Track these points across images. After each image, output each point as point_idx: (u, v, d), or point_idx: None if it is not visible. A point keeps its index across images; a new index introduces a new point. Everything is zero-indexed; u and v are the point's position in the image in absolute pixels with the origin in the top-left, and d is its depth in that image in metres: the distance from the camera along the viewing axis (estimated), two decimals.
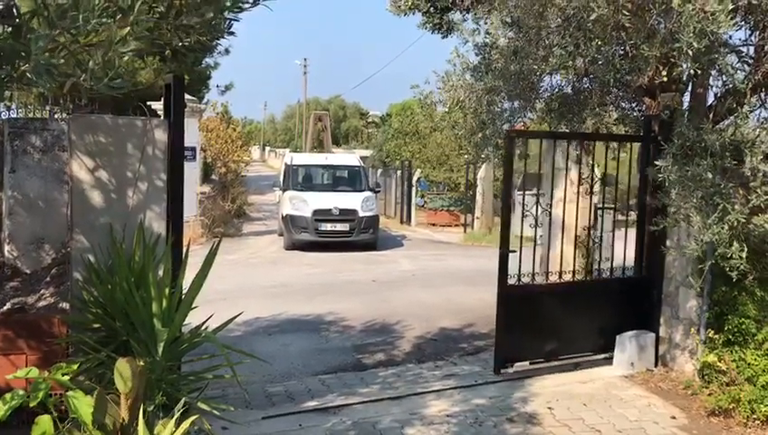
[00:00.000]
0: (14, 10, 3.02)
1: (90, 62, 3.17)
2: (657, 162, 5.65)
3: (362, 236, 16.17)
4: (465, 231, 19.55)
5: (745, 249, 5.27)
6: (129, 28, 3.15)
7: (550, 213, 7.89)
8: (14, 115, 9.42)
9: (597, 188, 8.13)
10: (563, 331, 6.88)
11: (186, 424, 3.71)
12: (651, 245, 7.09)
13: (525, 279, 6.80)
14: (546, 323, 6.78)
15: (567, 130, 7.43)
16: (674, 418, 5.79)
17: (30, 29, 2.95)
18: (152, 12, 3.70)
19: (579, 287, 7.05)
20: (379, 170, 26.94)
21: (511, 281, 6.63)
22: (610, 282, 7.28)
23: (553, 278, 7.03)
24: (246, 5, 4.22)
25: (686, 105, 6.80)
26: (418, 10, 9.43)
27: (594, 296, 7.06)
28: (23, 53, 2.93)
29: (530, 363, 6.76)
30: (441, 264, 14.27)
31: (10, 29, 3.05)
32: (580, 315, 6.96)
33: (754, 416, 5.52)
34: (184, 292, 4.96)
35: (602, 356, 7.06)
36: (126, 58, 3.30)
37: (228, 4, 4.14)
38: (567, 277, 7.00)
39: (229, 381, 5.38)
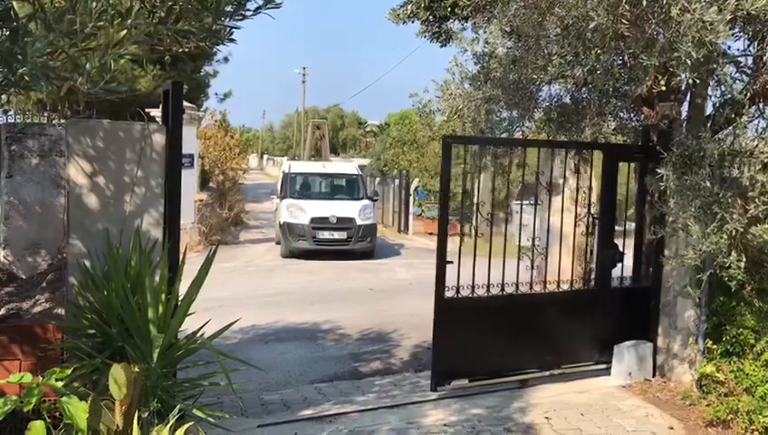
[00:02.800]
0: (12, 13, 3.01)
1: (87, 64, 3.16)
2: (658, 171, 5.64)
3: (360, 245, 16.15)
4: (462, 240, 19.52)
5: (743, 259, 5.27)
6: (126, 31, 3.14)
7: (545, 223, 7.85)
8: (12, 120, 9.40)
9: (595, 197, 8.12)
10: (509, 346, 6.56)
11: (180, 431, 3.68)
12: (639, 255, 7.10)
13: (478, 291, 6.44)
14: (488, 338, 6.45)
15: (509, 139, 7.45)
16: (672, 428, 5.76)
17: (27, 32, 2.94)
18: (151, 16, 3.70)
19: (529, 300, 6.70)
20: (377, 179, 26.95)
21: (449, 293, 6.30)
22: (571, 294, 6.95)
23: (495, 291, 6.58)
24: (248, 13, 4.23)
25: (683, 115, 6.81)
26: (417, 19, 9.46)
27: (549, 309, 6.76)
28: (20, 56, 2.92)
29: (469, 381, 6.43)
30: None
31: (7, 32, 3.04)
32: (530, 330, 6.66)
33: (753, 427, 5.49)
34: (180, 298, 4.94)
35: (548, 373, 6.75)
36: (123, 61, 3.28)
37: (229, 10, 4.14)
38: (510, 290, 6.60)
39: (225, 389, 5.34)
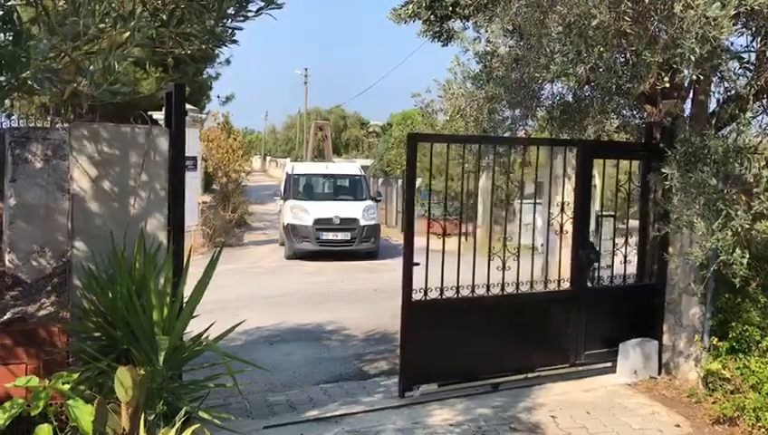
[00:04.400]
0: (15, 17, 3.02)
1: (90, 67, 3.16)
2: (663, 169, 5.63)
3: (363, 245, 16.14)
4: (465, 240, 19.53)
5: (747, 256, 5.25)
6: (129, 34, 3.14)
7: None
8: (16, 124, 9.42)
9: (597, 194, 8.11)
10: (481, 349, 6.41)
11: (187, 433, 3.68)
12: (644, 252, 7.08)
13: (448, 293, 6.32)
14: (459, 342, 6.31)
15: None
16: (678, 426, 5.75)
17: (30, 36, 2.94)
18: (154, 19, 3.70)
19: (500, 302, 6.52)
20: (380, 180, 26.91)
21: (417, 296, 6.18)
22: (545, 295, 6.82)
23: (466, 292, 6.44)
24: (250, 14, 4.23)
25: (687, 112, 6.79)
26: (419, 18, 9.45)
27: (522, 311, 6.65)
28: (23, 60, 2.92)
29: (439, 386, 6.31)
30: None
31: (10, 36, 3.04)
32: (503, 333, 6.52)
33: (759, 424, 5.48)
34: (185, 300, 4.94)
35: (522, 377, 6.64)
36: (126, 64, 3.29)
37: (231, 12, 4.14)
38: (481, 291, 6.46)
39: (230, 391, 5.34)
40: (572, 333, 6.88)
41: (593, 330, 6.94)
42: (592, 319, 6.93)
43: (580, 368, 6.92)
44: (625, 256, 7.22)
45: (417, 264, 6.09)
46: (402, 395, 6.18)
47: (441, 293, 6.31)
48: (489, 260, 6.48)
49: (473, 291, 6.44)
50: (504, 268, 6.49)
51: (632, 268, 7.29)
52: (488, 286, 6.50)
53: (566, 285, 6.96)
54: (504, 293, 6.58)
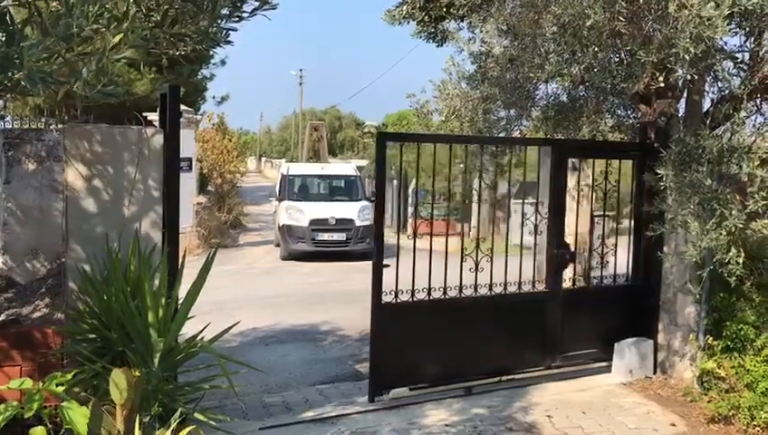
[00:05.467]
0: (8, 17, 3.01)
1: (84, 68, 3.15)
2: (656, 169, 5.64)
3: (359, 246, 16.12)
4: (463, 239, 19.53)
5: (743, 255, 5.27)
6: (122, 35, 3.13)
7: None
8: (9, 126, 9.39)
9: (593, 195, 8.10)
10: (454, 352, 6.31)
11: None
12: (638, 252, 7.06)
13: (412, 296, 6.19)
14: (430, 345, 6.21)
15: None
16: (673, 425, 5.76)
17: (23, 37, 2.93)
18: (148, 20, 3.69)
19: (473, 304, 6.41)
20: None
21: (387, 298, 6.06)
22: (519, 297, 6.65)
23: (438, 295, 6.32)
24: (244, 14, 4.22)
25: (681, 112, 6.81)
26: (413, 19, 9.46)
27: (496, 313, 6.52)
28: (16, 61, 2.91)
29: (410, 389, 6.17)
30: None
31: (3, 37, 3.03)
32: (476, 335, 6.38)
33: (754, 423, 5.49)
34: (180, 302, 4.93)
35: (497, 379, 6.52)
36: (119, 65, 3.28)
37: (225, 12, 4.14)
38: (453, 293, 6.32)
39: (226, 392, 5.34)
40: (548, 335, 6.79)
41: (571, 332, 6.83)
42: (569, 321, 6.82)
43: (556, 371, 6.80)
44: (602, 256, 7.13)
45: (387, 265, 5.98)
46: (372, 400, 6.06)
47: (412, 295, 6.19)
48: (462, 262, 6.33)
49: (444, 293, 6.33)
50: (476, 270, 6.35)
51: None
52: (461, 288, 6.37)
53: (541, 286, 6.84)
54: (477, 294, 6.47)
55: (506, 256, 6.46)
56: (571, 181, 7.70)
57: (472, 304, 6.44)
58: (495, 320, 6.54)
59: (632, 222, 7.29)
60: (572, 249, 6.97)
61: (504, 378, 6.60)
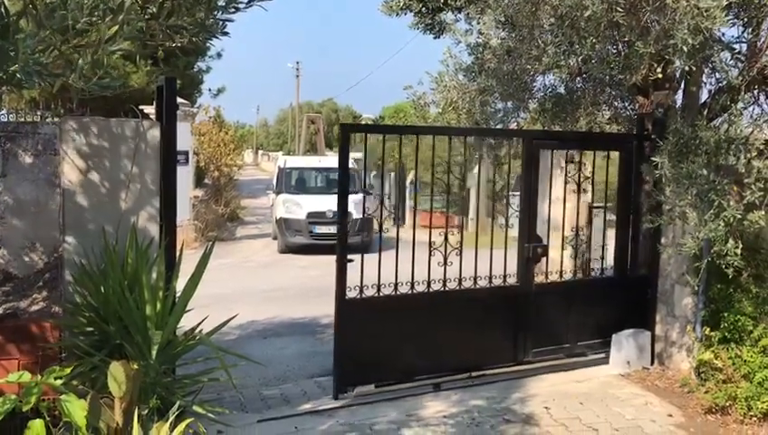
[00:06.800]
0: (3, 10, 2.99)
1: (79, 60, 3.13)
2: (653, 159, 5.64)
3: (356, 239, 16.10)
4: (454, 233, 19.49)
5: (740, 246, 5.27)
6: (118, 27, 3.11)
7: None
8: (5, 119, 9.35)
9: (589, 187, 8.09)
10: (422, 348, 6.19)
11: (181, 427, 3.67)
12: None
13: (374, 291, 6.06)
14: (397, 341, 6.08)
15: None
16: (671, 416, 5.77)
17: (18, 29, 2.91)
18: (143, 12, 3.67)
19: (442, 298, 6.30)
20: (373, 173, 26.89)
21: (352, 294, 5.92)
22: (488, 291, 6.48)
23: (405, 289, 6.18)
24: (241, 5, 4.20)
25: (678, 104, 6.81)
26: (410, 10, 9.43)
27: (466, 308, 6.37)
28: (11, 54, 2.90)
29: (376, 386, 6.06)
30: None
31: None
32: (445, 331, 6.27)
33: (751, 413, 5.51)
34: (177, 295, 4.92)
35: (466, 375, 6.37)
36: (115, 57, 3.26)
37: (221, 4, 4.11)
38: (421, 288, 6.20)
39: (224, 385, 5.34)
40: (519, 330, 6.68)
41: (543, 326, 6.75)
42: (541, 315, 6.72)
43: (527, 366, 6.70)
44: (575, 249, 7.01)
45: (351, 260, 5.89)
46: (336, 397, 5.95)
47: (378, 290, 6.06)
48: (430, 255, 6.20)
49: (412, 288, 6.20)
50: (445, 264, 6.21)
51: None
52: (429, 283, 6.26)
53: (512, 280, 6.68)
54: (446, 289, 6.33)
55: (476, 249, 6.33)
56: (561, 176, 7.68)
57: (440, 298, 6.31)
58: (465, 315, 6.38)
59: (618, 214, 7.19)
60: (545, 242, 6.85)
61: (473, 374, 6.44)
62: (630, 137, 7.14)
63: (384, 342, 6.05)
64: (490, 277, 6.55)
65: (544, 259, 7.00)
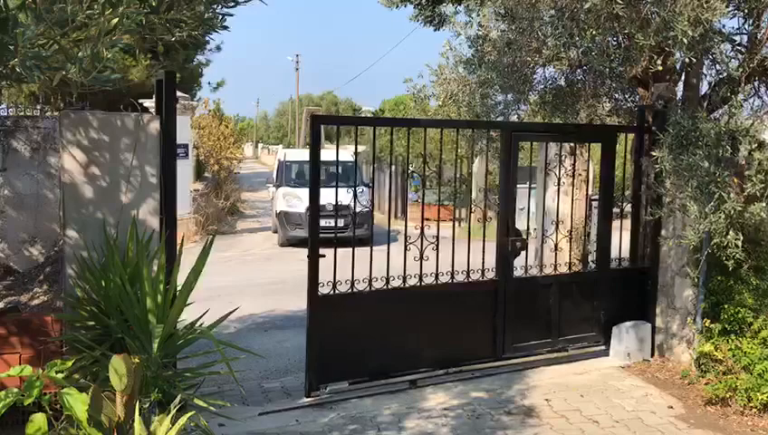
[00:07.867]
0: (1, 3, 2.98)
1: (79, 54, 3.13)
2: (652, 152, 5.64)
3: (357, 232, 16.08)
4: (459, 225, 19.55)
5: (741, 238, 5.27)
6: (117, 21, 3.10)
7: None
8: (4, 113, 9.34)
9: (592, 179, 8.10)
10: (397, 345, 6.07)
11: (182, 421, 3.68)
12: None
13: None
14: (372, 337, 5.95)
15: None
16: (671, 407, 5.79)
17: (17, 23, 2.91)
18: (143, 5, 3.66)
19: (418, 294, 6.17)
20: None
21: (325, 290, 5.81)
22: (466, 286, 6.35)
23: (379, 285, 6.07)
24: None
25: (679, 96, 6.80)
26: (410, 2, 9.42)
27: (444, 304, 6.27)
28: (11, 47, 2.89)
29: (350, 384, 5.93)
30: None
31: None
32: (422, 327, 6.15)
33: (751, 404, 5.53)
34: (178, 288, 4.93)
35: (443, 372, 6.26)
36: (115, 51, 3.25)
37: None
38: (397, 283, 6.08)
39: (225, 378, 5.35)
40: (497, 325, 6.53)
41: (523, 321, 6.63)
42: (521, 310, 6.62)
43: (505, 362, 6.59)
44: (555, 245, 6.97)
45: (323, 255, 5.81)
46: (308, 395, 5.81)
47: (352, 286, 5.94)
48: (405, 250, 6.08)
49: (387, 283, 6.09)
50: (421, 258, 6.08)
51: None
52: (404, 278, 6.12)
53: (491, 275, 6.55)
54: (422, 284, 6.20)
55: (453, 242, 6.26)
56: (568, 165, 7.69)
57: (416, 294, 6.18)
58: (442, 310, 6.28)
59: (600, 207, 7.12)
60: (524, 236, 6.75)
61: (451, 370, 6.36)
62: (612, 128, 7.12)
63: (357, 338, 5.91)
64: (468, 272, 6.42)
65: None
